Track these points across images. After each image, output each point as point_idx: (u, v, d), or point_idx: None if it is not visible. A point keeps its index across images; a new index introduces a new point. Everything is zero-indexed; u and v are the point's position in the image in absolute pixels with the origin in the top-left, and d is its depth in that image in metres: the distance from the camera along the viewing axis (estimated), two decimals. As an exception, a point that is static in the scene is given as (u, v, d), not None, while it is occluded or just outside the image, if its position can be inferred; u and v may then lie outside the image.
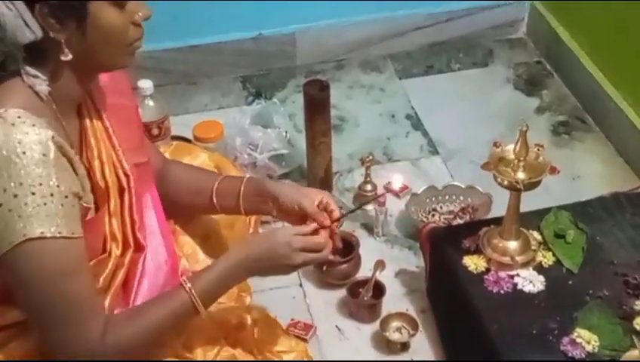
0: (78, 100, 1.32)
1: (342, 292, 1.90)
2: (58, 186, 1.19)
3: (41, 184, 1.17)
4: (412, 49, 2.72)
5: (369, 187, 2.13)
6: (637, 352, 1.23)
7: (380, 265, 1.92)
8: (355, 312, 1.88)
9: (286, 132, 2.28)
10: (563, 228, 1.78)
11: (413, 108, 2.51)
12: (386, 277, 1.92)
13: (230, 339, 1.54)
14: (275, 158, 2.22)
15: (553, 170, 1.62)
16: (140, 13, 1.25)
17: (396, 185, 2.18)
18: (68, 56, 1.21)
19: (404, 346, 1.81)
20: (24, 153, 1.16)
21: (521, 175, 1.61)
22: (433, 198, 2.13)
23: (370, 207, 2.11)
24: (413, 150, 2.37)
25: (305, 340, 1.80)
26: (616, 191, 1.92)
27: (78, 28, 1.20)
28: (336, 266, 1.92)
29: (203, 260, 1.61)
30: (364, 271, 1.94)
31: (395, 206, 2.15)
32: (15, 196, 1.16)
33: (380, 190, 2.16)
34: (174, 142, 1.88)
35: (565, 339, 1.56)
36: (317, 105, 2.08)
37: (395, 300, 1.90)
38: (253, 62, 2.62)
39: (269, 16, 2.55)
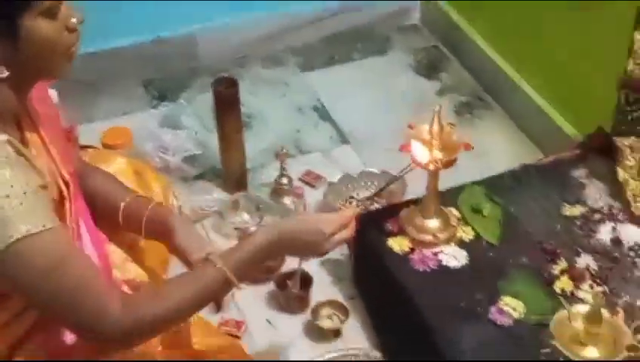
0: (17, 113, 1.29)
1: (269, 287, 1.91)
2: (27, 183, 1.17)
3: (12, 185, 1.15)
4: (312, 41, 2.74)
5: (285, 180, 2.13)
6: (566, 312, 1.29)
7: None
8: (285, 304, 1.89)
9: (196, 132, 2.27)
10: (479, 202, 1.84)
11: (319, 99, 2.54)
12: (311, 267, 1.93)
13: (166, 343, 1.52)
14: (188, 160, 2.21)
15: (467, 147, 1.67)
16: (74, 19, 1.23)
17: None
18: (4, 73, 1.19)
19: (337, 333, 1.83)
20: None
21: (438, 154, 1.65)
22: (349, 186, 2.16)
23: (287, 200, 2.12)
24: (324, 141, 2.39)
25: (238, 337, 1.80)
26: (524, 163, 1.99)
27: (11, 45, 1.18)
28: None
29: (134, 269, 1.58)
30: (290, 264, 1.95)
31: (312, 196, 2.17)
32: None
33: (296, 183, 2.18)
34: (90, 150, 1.83)
35: (493, 309, 1.61)
36: (227, 102, 2.08)
37: (323, 289, 1.92)
38: (154, 65, 2.59)
39: (168, 17, 2.52)
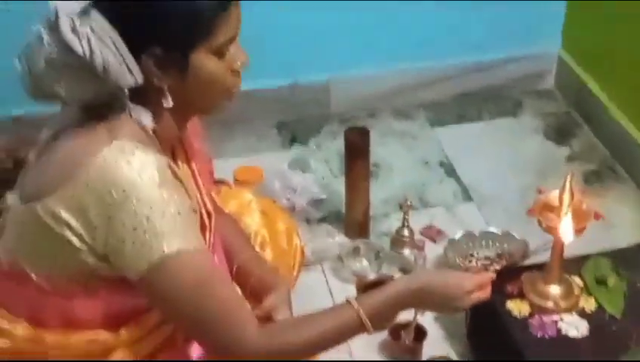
0: (174, 142, 1.38)
1: (383, 335, 1.92)
2: (182, 204, 1.25)
3: (168, 205, 1.23)
4: (443, 98, 2.77)
5: (406, 232, 2.16)
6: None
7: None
8: (397, 355, 1.90)
9: (323, 177, 2.33)
10: (604, 274, 1.80)
11: (446, 155, 2.56)
12: (426, 321, 1.93)
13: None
14: (314, 203, 2.26)
15: (598, 216, 1.65)
16: (239, 62, 1.30)
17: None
18: (169, 103, 1.28)
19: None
20: (149, 178, 1.22)
21: (564, 221, 1.64)
22: (470, 244, 2.16)
23: (407, 251, 2.14)
24: (448, 196, 2.41)
25: (349, 382, 1.82)
26: (655, 239, 1.94)
27: (180, 77, 1.26)
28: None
29: None
30: (405, 315, 1.95)
31: (432, 251, 2.18)
32: (148, 219, 1.21)
33: (417, 236, 2.19)
34: (223, 187, 1.92)
35: (611, 384, 1.58)
36: (357, 150, 2.13)
37: (436, 344, 1.92)
38: (288, 109, 2.68)
39: (305, 64, 2.61)
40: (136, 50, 1.23)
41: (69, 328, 1.36)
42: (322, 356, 1.51)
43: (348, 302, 1.41)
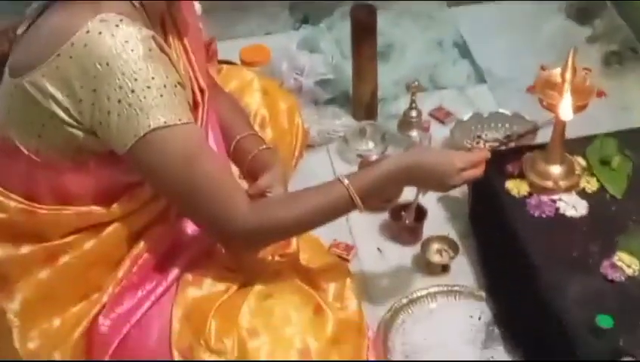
0: (162, 15, 1.37)
1: (384, 216, 1.92)
2: (167, 77, 1.25)
3: (153, 78, 1.23)
4: (463, -24, 2.67)
5: (414, 113, 2.12)
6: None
7: (422, 189, 1.93)
8: (397, 234, 1.91)
9: (332, 57, 2.29)
10: (609, 154, 1.77)
11: (461, 36, 2.48)
12: (428, 201, 1.92)
13: (276, 254, 1.58)
14: (321, 83, 2.23)
15: (600, 94, 1.61)
16: None
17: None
18: None
19: (445, 268, 1.83)
20: (132, 50, 1.22)
21: (565, 98, 1.59)
22: (478, 125, 2.13)
23: (414, 133, 2.11)
24: (460, 78, 2.35)
25: (347, 260, 1.84)
26: (665, 120, 1.89)
27: None
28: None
29: None
30: (406, 196, 1.95)
31: (440, 132, 2.15)
32: (132, 91, 1.22)
33: (425, 117, 2.16)
34: (224, 66, 1.90)
35: (606, 262, 1.57)
36: (364, 29, 2.08)
37: (437, 225, 1.92)
38: (301, -11, 2.61)
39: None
40: None
41: (62, 203, 1.38)
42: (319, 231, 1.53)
43: (338, 179, 1.41)
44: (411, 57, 2.40)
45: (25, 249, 1.39)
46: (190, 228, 1.50)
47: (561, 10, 2.58)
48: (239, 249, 1.45)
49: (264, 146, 1.62)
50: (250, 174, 1.58)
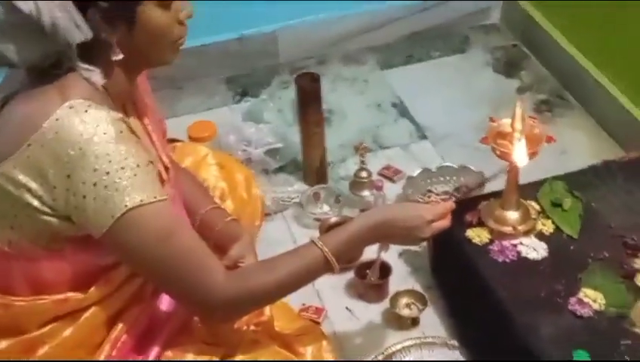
0: (125, 98, 1.38)
1: (349, 276, 1.95)
2: (140, 157, 1.26)
3: (126, 158, 1.23)
4: (390, 40, 2.78)
5: (364, 174, 2.16)
6: (647, 301, 1.30)
7: (383, 246, 1.95)
8: (364, 293, 1.93)
9: (277, 127, 2.32)
10: (559, 196, 1.84)
11: (398, 96, 2.57)
12: (390, 257, 1.96)
13: (250, 324, 1.58)
14: (270, 153, 2.27)
15: (550, 139, 1.68)
16: (184, 12, 1.31)
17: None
18: (119, 56, 1.28)
19: (415, 321, 1.86)
20: (104, 133, 1.22)
21: (517, 146, 1.66)
22: (428, 180, 2.18)
23: (366, 193, 2.15)
24: (403, 136, 2.42)
25: (318, 323, 1.84)
26: (606, 160, 1.98)
27: (128, 29, 1.27)
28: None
29: None
30: (368, 254, 1.98)
31: (391, 190, 2.20)
32: (107, 173, 1.22)
33: (375, 176, 2.21)
34: (177, 144, 1.91)
35: (572, 299, 1.62)
36: (309, 97, 2.13)
37: (401, 279, 1.95)
38: (236, 63, 2.66)
39: (251, 16, 2.59)
40: (82, 4, 1.23)
41: (38, 293, 1.36)
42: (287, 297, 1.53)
43: (312, 241, 1.43)
44: (353, 120, 2.47)
45: (2, 344, 1.36)
46: (166, 304, 1.50)
47: (488, 64, 2.70)
48: (219, 320, 1.44)
49: (229, 218, 1.63)
50: (219, 247, 1.59)
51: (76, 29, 1.22)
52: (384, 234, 1.48)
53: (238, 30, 2.64)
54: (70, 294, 1.36)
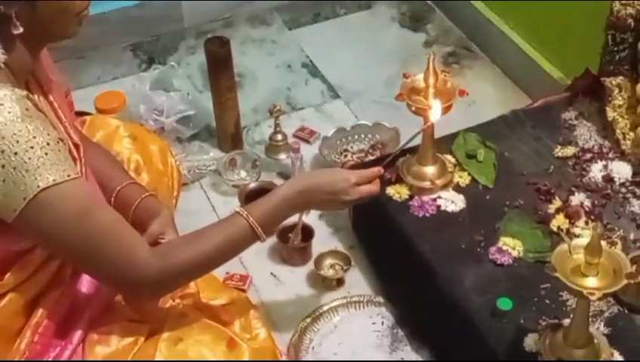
0: (27, 74, 1.32)
1: (272, 240, 1.94)
2: (49, 135, 1.21)
3: (34, 137, 1.18)
4: (296, -1, 2.75)
5: (280, 137, 2.15)
6: (566, 246, 1.33)
7: (304, 208, 1.97)
8: (287, 257, 1.93)
9: (188, 93, 2.28)
10: (473, 148, 1.88)
11: (307, 56, 2.56)
12: (311, 219, 1.96)
13: (175, 297, 1.56)
14: (182, 120, 2.22)
15: (462, 93, 1.71)
16: None
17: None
18: (19, 29, 1.22)
19: (340, 281, 1.87)
20: (9, 112, 1.17)
21: (431, 101, 1.68)
22: (343, 139, 2.19)
23: (283, 156, 2.15)
24: (315, 96, 2.42)
25: (244, 290, 1.84)
26: (515, 109, 2.03)
27: (29, 4, 1.21)
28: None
29: None
30: (290, 219, 1.98)
31: (308, 151, 2.20)
32: (15, 154, 1.17)
33: (290, 139, 2.20)
34: (87, 117, 1.85)
35: (492, 249, 1.66)
36: (220, 62, 2.09)
37: (324, 240, 1.96)
38: (140, 29, 2.59)
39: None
40: None
41: None
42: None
43: (237, 212, 1.40)
44: (264, 83, 2.45)
45: None
46: (86, 286, 1.46)
47: (394, 19, 2.71)
48: (146, 297, 1.42)
49: (146, 193, 1.59)
50: (137, 223, 1.55)
51: None
52: (310, 200, 1.46)
53: (139, -6, 2.56)
54: None
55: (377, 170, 1.51)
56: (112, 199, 1.55)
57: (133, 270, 1.30)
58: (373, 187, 1.49)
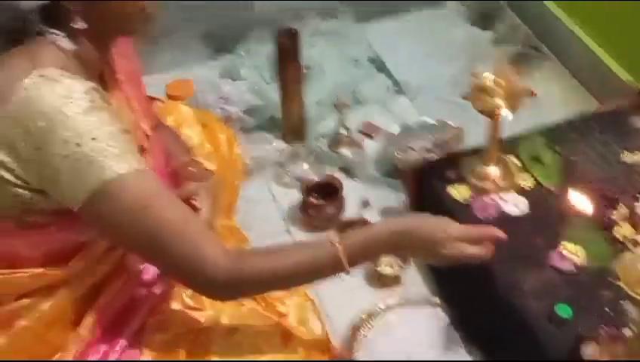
0: (100, 66, 1.33)
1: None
2: (114, 126, 1.19)
3: (98, 128, 1.17)
4: (367, -7, 2.75)
5: (344, 131, 2.16)
6: (630, 255, 1.31)
7: (365, 204, 1.97)
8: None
9: (255, 84, 2.30)
10: (539, 151, 1.86)
11: (374, 51, 2.55)
12: (370, 215, 1.97)
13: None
14: (248, 111, 2.25)
15: (532, 94, 1.68)
16: None
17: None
18: (81, 25, 1.21)
19: (397, 279, 1.87)
20: (74, 104, 1.16)
21: (501, 102, 1.67)
22: (407, 137, 2.18)
23: (346, 151, 2.15)
24: (380, 92, 2.41)
25: (301, 283, 1.84)
26: (583, 112, 2.00)
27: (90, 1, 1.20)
28: (322, 209, 1.98)
29: None
30: (350, 213, 1.99)
31: (370, 147, 2.20)
32: (78, 145, 1.16)
33: (354, 134, 2.21)
34: (158, 103, 1.88)
35: (554, 254, 1.64)
36: (288, 53, 2.10)
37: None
38: (211, 18, 2.61)
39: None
40: None
41: (13, 266, 1.33)
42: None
43: (328, 237, 1.32)
44: (330, 76, 2.45)
45: None
46: (148, 274, 1.48)
47: (464, 17, 2.68)
48: (216, 298, 1.38)
49: (200, 169, 1.60)
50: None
51: None
52: (402, 243, 1.33)
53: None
54: (47, 269, 1.33)
55: (490, 231, 1.35)
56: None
57: (199, 269, 1.24)
58: (480, 251, 1.33)
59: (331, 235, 1.30)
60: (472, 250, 1.32)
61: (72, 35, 1.23)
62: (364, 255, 1.31)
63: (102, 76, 1.35)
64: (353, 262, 1.29)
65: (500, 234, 1.33)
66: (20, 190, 1.22)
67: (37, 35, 1.22)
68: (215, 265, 1.23)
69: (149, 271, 1.48)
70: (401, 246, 1.33)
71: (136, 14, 1.25)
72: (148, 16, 1.27)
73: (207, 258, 1.23)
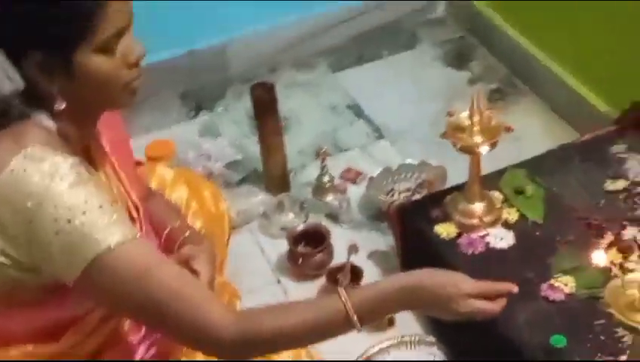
0: (86, 140, 1.31)
1: (320, 282, 1.95)
2: (102, 197, 1.19)
3: (86, 202, 1.16)
4: (340, 42, 2.78)
5: (326, 178, 2.17)
6: (618, 281, 1.31)
7: (353, 249, 1.97)
8: (337, 298, 1.92)
9: (236, 139, 2.32)
10: (521, 184, 1.87)
11: (352, 97, 2.58)
12: (359, 260, 1.96)
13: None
14: (230, 165, 2.26)
15: (508, 129, 1.70)
16: (134, 55, 1.22)
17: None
18: (61, 106, 1.21)
19: (391, 321, 1.86)
20: (61, 180, 1.16)
21: (478, 138, 1.68)
22: (389, 179, 2.19)
23: (331, 197, 2.16)
24: (360, 137, 2.43)
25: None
26: (563, 143, 2.01)
27: (68, 79, 1.19)
28: (310, 257, 1.97)
29: None
30: (338, 258, 1.99)
31: (354, 193, 2.21)
32: (69, 221, 1.15)
33: (337, 181, 2.22)
34: (141, 167, 1.88)
35: (544, 286, 1.64)
36: (266, 106, 2.12)
37: (372, 281, 1.95)
38: (188, 78, 2.64)
39: (199, 30, 2.58)
40: (14, 55, 1.17)
41: (6, 344, 1.31)
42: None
43: (336, 292, 1.27)
44: (310, 125, 2.47)
45: None
46: (141, 340, 1.46)
47: (438, 58, 2.72)
48: (221, 358, 1.32)
49: (193, 231, 1.59)
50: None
51: (6, 79, 1.16)
52: (411, 300, 1.28)
53: (186, 44, 2.62)
54: (37, 346, 1.31)
55: (505, 287, 1.31)
56: (176, 248, 1.53)
57: (204, 332, 1.20)
58: (493, 306, 1.29)
59: (341, 290, 1.25)
60: (486, 306, 1.29)
61: (57, 114, 1.22)
62: (374, 311, 1.27)
63: (88, 150, 1.34)
64: (363, 319, 1.23)
65: (514, 288, 1.31)
66: (11, 270, 1.21)
67: (21, 117, 1.21)
68: (220, 327, 1.20)
69: (142, 337, 1.46)
70: (413, 301, 1.29)
71: (120, 89, 1.23)
72: (132, 91, 1.26)
73: (212, 320, 1.20)
